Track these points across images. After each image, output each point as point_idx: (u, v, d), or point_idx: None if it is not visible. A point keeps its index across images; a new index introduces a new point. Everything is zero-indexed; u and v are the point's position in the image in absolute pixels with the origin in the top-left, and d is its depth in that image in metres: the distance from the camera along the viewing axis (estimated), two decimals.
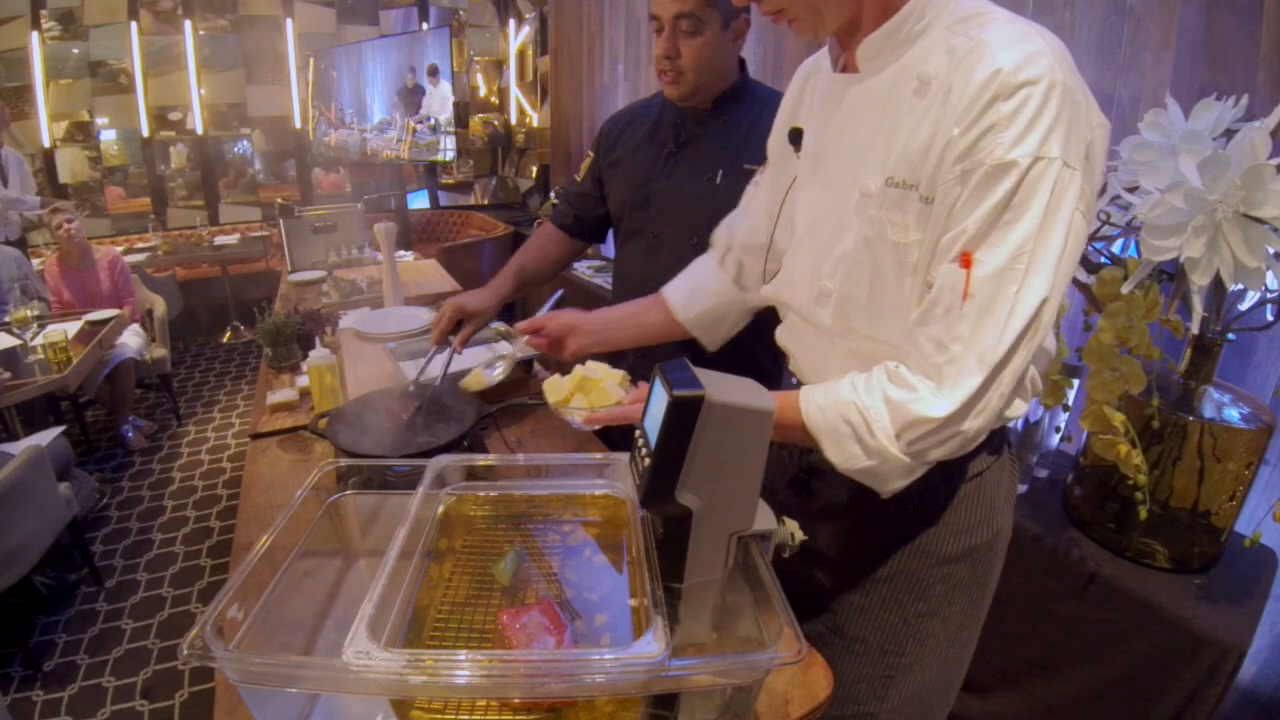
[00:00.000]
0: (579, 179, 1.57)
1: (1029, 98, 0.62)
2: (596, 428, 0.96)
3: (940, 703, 0.96)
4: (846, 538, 0.92)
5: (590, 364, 1.01)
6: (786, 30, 2.70)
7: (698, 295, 1.12)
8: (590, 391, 0.97)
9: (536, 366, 1.63)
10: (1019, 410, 0.79)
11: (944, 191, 0.68)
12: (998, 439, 0.87)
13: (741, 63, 1.35)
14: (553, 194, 4.49)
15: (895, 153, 0.72)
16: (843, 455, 0.72)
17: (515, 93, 5.80)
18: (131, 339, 3.38)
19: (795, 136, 0.89)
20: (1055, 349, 0.93)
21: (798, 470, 0.96)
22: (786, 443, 0.96)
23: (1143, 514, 1.14)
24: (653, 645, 0.59)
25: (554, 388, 0.99)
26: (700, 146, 1.34)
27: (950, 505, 0.86)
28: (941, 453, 0.70)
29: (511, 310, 4.29)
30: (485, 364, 1.37)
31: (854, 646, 0.92)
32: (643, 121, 1.44)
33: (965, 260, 0.65)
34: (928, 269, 0.70)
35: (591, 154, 1.54)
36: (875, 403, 0.70)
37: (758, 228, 1.03)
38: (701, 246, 1.29)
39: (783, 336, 0.98)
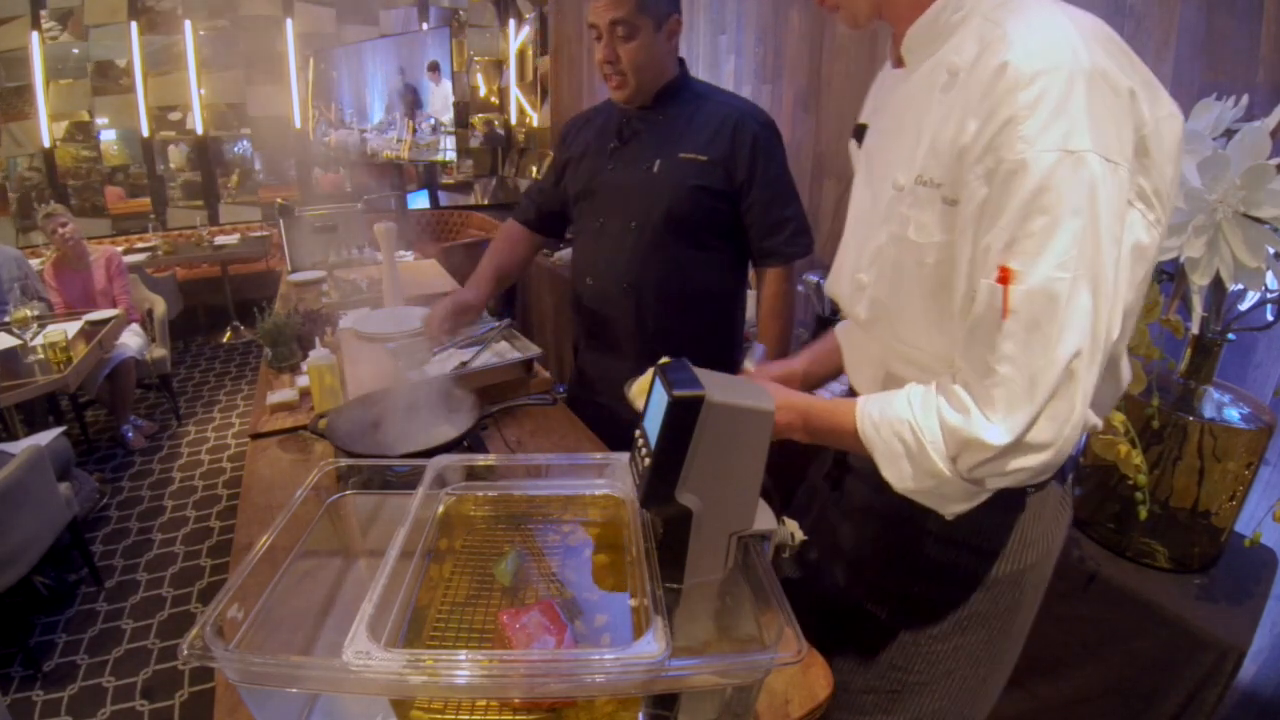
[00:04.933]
0: (540, 178, 1.66)
1: (1048, 88, 0.57)
2: None
3: None
4: (868, 541, 0.90)
5: None
6: (786, 32, 2.70)
7: None
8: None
9: (536, 366, 1.64)
10: None
11: (969, 193, 0.63)
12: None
13: (681, 61, 1.43)
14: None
15: (924, 150, 0.69)
16: (896, 474, 0.69)
17: (515, 93, 5.79)
18: (131, 339, 3.38)
19: (859, 132, 0.88)
20: (1128, 377, 0.79)
21: (833, 465, 0.96)
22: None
23: (1143, 514, 1.14)
24: (653, 645, 0.59)
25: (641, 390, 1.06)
26: (642, 140, 1.42)
27: (976, 529, 0.80)
28: (1004, 482, 0.65)
29: (511, 309, 4.30)
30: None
31: (863, 655, 0.90)
32: (594, 123, 1.53)
33: (1003, 274, 0.59)
34: (966, 279, 0.65)
35: (552, 154, 1.62)
36: (930, 423, 0.66)
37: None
38: (639, 232, 1.40)
39: (839, 331, 0.99)
